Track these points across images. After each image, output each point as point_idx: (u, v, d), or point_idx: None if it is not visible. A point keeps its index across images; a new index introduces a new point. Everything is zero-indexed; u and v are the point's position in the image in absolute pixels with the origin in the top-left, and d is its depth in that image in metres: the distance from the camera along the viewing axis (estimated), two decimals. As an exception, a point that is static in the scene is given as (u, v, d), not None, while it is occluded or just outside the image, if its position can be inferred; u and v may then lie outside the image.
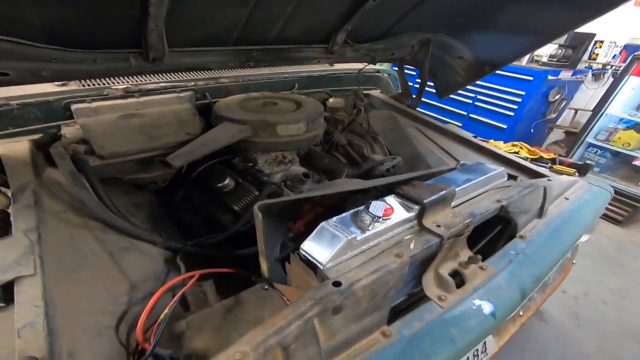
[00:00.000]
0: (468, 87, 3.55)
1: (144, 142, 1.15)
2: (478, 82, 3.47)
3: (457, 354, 0.75)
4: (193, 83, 1.47)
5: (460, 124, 3.65)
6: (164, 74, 1.53)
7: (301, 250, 0.68)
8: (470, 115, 3.70)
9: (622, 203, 2.84)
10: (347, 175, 1.28)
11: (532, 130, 3.45)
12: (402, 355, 0.68)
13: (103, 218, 0.91)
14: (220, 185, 1.21)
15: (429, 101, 3.98)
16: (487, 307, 0.85)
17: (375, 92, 2.00)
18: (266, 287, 0.84)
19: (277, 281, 0.82)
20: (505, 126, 3.39)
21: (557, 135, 3.66)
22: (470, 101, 3.66)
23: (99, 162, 1.13)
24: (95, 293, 0.73)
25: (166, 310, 0.70)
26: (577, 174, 1.44)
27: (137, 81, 1.46)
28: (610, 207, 2.92)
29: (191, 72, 1.57)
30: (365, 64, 1.68)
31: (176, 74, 1.56)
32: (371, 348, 0.67)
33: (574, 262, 1.66)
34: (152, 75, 1.49)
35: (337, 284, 0.62)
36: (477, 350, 1.06)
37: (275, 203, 0.75)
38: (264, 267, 0.83)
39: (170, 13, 0.91)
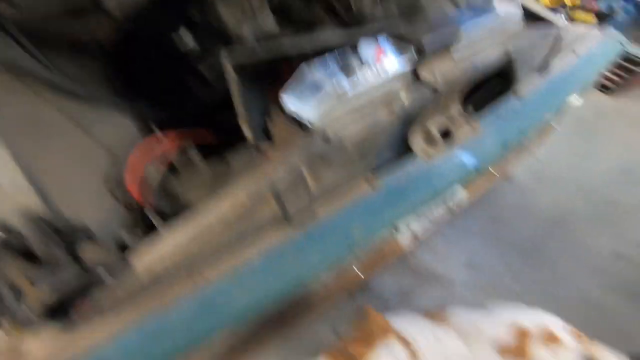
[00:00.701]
0: None
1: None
2: None
3: (435, 200, 0.85)
4: None
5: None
6: None
7: (281, 101, 0.63)
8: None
9: (621, 68, 2.75)
10: (330, 29, 1.10)
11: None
12: (386, 199, 0.76)
13: (54, 82, 0.80)
14: (179, 43, 1.04)
15: None
16: (469, 161, 0.91)
17: None
18: (252, 148, 0.84)
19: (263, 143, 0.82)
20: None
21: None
22: None
23: (12, 11, 0.90)
24: (73, 158, 0.72)
25: (152, 169, 0.71)
26: (596, 23, 1.29)
27: None
28: (605, 72, 2.86)
29: None
30: None
31: None
32: (358, 194, 0.73)
33: (556, 126, 1.72)
34: None
35: (324, 135, 0.61)
36: (449, 199, 1.21)
37: (248, 59, 0.65)
38: (247, 132, 0.80)
39: None
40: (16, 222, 0.54)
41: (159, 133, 0.84)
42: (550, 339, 0.80)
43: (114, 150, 0.80)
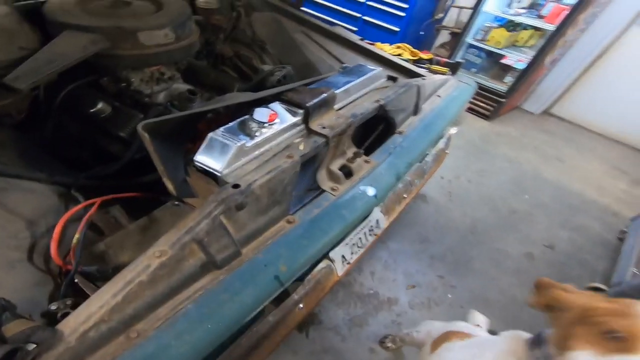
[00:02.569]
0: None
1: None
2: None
3: (348, 226, 1.08)
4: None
5: (356, 29, 3.87)
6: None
7: (195, 162, 0.81)
8: (364, 17, 3.95)
9: (490, 99, 3.73)
10: (238, 89, 1.37)
11: (422, 33, 3.94)
12: (305, 234, 0.96)
13: None
14: (94, 111, 1.16)
15: (321, 1, 4.03)
16: (370, 191, 1.19)
17: (253, -12, 1.94)
18: (177, 203, 0.96)
19: (187, 197, 0.95)
20: (398, 29, 3.77)
21: (444, 37, 4.29)
22: (363, 0, 3.85)
23: None
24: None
25: (77, 235, 0.79)
26: (450, 73, 1.85)
27: None
28: (480, 103, 3.80)
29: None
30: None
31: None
32: (278, 233, 0.92)
33: (447, 152, 2.25)
34: None
35: (236, 186, 0.80)
36: (372, 226, 1.48)
37: (161, 121, 0.83)
38: (170, 186, 0.93)
39: None
40: None
41: (82, 200, 0.92)
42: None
43: (35, 219, 0.86)
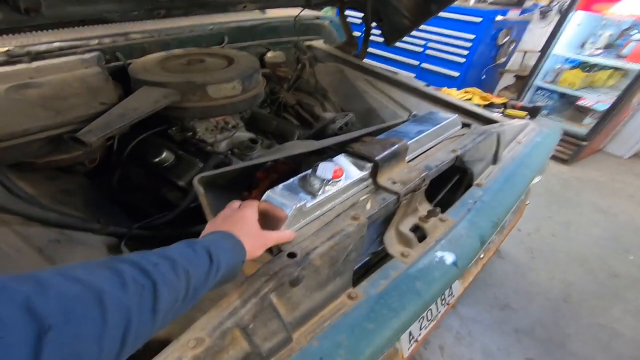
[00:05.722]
0: (417, 34, 3.66)
1: (48, 118, 1.03)
2: (427, 29, 3.60)
3: (424, 305, 0.84)
4: (97, 41, 1.30)
5: (414, 75, 3.78)
6: (57, 31, 1.32)
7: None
8: (422, 65, 3.85)
9: (567, 142, 3.24)
10: (299, 137, 1.29)
11: (483, 77, 3.69)
12: (371, 315, 0.74)
13: (16, 210, 0.82)
14: (158, 160, 1.17)
15: (378, 51, 4.06)
16: (449, 258, 0.93)
17: (318, 43, 1.96)
18: None
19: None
20: (457, 74, 3.58)
21: (507, 80, 3.96)
22: (421, 50, 3.77)
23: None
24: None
25: None
26: (528, 117, 1.58)
27: (22, 42, 1.24)
28: (557, 147, 3.32)
29: (93, 28, 1.38)
30: (301, 9, 1.62)
31: (74, 31, 1.35)
32: (338, 312, 0.71)
33: (527, 203, 1.88)
34: (42, 34, 1.28)
35: (292, 255, 0.63)
36: (444, 294, 1.19)
37: (218, 174, 0.73)
38: None
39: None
40: None
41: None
42: None
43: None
